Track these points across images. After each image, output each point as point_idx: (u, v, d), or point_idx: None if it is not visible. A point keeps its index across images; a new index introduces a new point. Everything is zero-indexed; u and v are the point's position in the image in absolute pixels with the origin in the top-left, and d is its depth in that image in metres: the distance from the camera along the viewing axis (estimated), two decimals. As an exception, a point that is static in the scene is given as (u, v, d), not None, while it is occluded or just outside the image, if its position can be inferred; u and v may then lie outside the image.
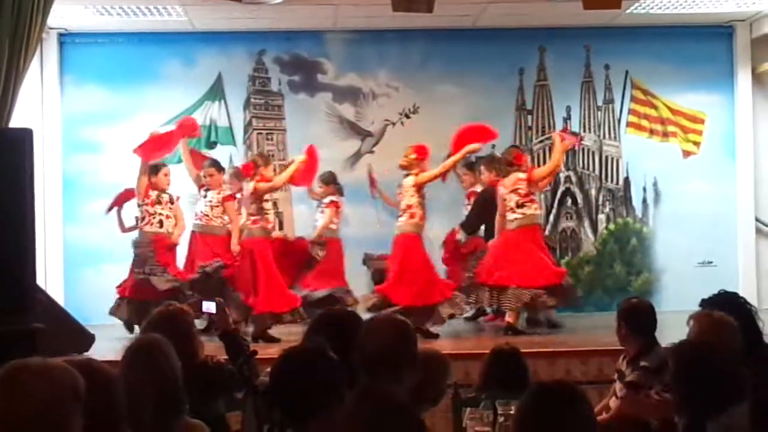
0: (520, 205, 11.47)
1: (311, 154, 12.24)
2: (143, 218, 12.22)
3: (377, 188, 13.00)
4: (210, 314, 7.41)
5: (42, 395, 3.39)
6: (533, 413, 3.64)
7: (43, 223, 12.71)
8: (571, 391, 3.68)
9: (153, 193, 12.14)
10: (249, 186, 11.55)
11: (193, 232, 12.31)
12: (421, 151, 11.61)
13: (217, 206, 12.18)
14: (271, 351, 8.66)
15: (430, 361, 5.22)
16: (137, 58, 14.14)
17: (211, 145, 13.71)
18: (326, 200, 12.95)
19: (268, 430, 5.30)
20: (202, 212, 12.19)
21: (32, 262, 8.98)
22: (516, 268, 11.27)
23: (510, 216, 11.47)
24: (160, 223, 12.19)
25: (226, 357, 6.22)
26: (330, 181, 13.03)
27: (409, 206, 11.44)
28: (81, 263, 13.79)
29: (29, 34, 10.06)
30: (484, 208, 12.18)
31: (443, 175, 11.89)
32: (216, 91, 14.28)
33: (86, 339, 10.28)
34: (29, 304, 8.78)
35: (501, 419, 5.08)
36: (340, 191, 13.05)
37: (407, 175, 11.55)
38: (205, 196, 12.21)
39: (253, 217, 11.46)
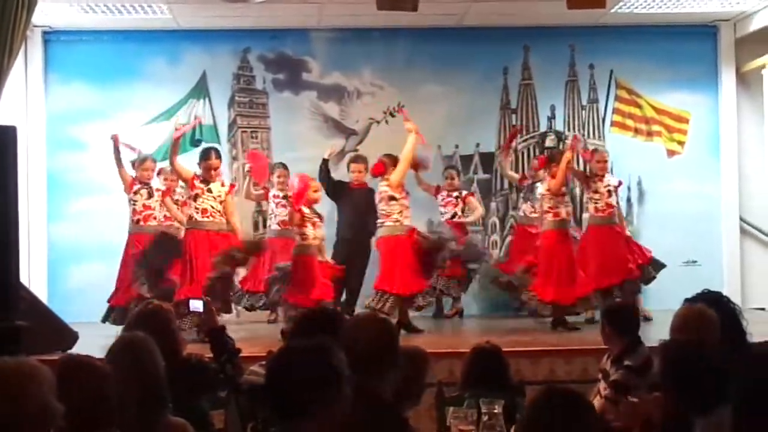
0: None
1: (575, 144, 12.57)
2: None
3: None
4: (198, 313, 7.42)
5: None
6: (542, 419, 3.64)
7: (27, 221, 12.72)
8: (579, 400, 3.69)
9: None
10: (544, 185, 11.97)
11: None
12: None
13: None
14: (255, 349, 8.65)
15: (410, 358, 5.21)
16: (122, 56, 14.12)
17: (196, 143, 13.66)
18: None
19: (252, 429, 5.31)
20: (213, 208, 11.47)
21: (16, 260, 8.98)
22: None
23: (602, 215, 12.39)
24: None
25: (209, 356, 6.22)
26: None
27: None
28: (65, 261, 13.76)
29: (14, 32, 10.05)
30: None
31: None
32: (201, 89, 14.26)
33: (69, 337, 10.26)
34: (12, 302, 8.78)
35: (485, 418, 5.08)
36: None
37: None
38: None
39: (553, 211, 11.78)
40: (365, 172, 12.64)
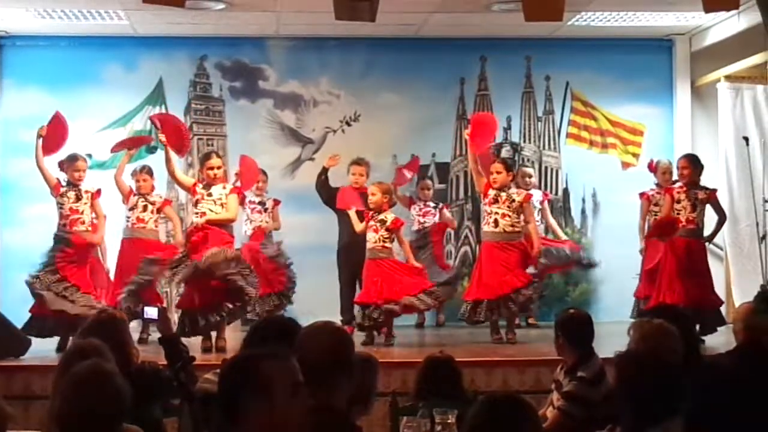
0: None
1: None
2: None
3: None
4: (152, 320, 7.40)
5: None
6: (482, 426, 3.63)
7: (-21, 227, 12.60)
8: (521, 404, 3.69)
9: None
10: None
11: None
12: None
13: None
14: (209, 357, 8.63)
15: (360, 363, 5.20)
16: (78, 62, 14.06)
17: (152, 150, 13.59)
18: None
19: (205, 437, 5.28)
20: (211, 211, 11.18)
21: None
22: None
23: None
24: None
25: (163, 363, 6.20)
26: None
27: None
28: (18, 267, 13.60)
29: (-32, 36, 10.00)
30: None
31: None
32: (157, 96, 14.20)
33: (22, 344, 10.20)
34: (-36, 308, 8.73)
35: (438, 428, 5.09)
36: None
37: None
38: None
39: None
40: (366, 176, 12.18)
